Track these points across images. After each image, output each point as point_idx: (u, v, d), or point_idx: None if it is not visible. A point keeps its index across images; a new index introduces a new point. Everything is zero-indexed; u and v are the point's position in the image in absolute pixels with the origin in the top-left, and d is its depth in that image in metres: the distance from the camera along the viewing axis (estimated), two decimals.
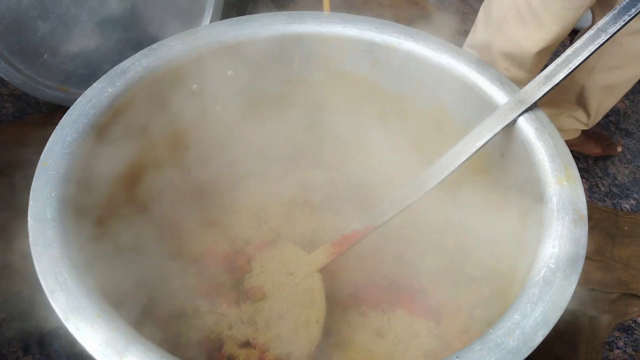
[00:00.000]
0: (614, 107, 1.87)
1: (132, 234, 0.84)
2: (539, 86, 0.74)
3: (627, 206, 1.52)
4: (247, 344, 0.71)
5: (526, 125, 0.73)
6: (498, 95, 0.77)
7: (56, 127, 0.68)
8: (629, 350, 1.24)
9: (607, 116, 1.80)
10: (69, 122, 0.68)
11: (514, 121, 0.74)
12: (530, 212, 0.70)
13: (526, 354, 0.51)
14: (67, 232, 0.58)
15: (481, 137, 0.74)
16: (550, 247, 0.59)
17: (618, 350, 1.24)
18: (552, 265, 0.57)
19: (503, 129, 0.74)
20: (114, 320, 0.52)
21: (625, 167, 1.64)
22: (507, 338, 0.52)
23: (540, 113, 0.73)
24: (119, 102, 0.73)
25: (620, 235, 1.42)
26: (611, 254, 1.37)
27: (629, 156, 1.68)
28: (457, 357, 0.51)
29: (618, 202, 1.53)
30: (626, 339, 1.26)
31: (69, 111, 0.70)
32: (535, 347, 0.51)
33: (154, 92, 0.79)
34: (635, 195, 1.56)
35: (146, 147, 0.83)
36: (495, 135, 0.73)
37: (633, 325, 1.28)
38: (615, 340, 1.25)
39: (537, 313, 0.54)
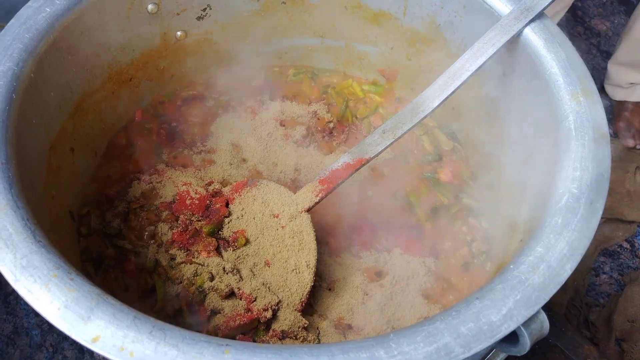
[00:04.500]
0: (595, 29, 1.81)
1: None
2: None
3: (610, 132, 1.49)
4: (231, 295, 0.64)
5: (534, 37, 0.64)
6: (500, 3, 0.68)
7: None
8: (615, 274, 1.23)
9: (587, 38, 1.74)
10: (0, 49, 0.57)
11: (520, 33, 0.66)
12: (539, 133, 0.63)
13: (553, 291, 0.45)
14: (10, 179, 0.49)
15: (482, 53, 0.66)
16: (570, 171, 0.52)
17: (604, 275, 1.23)
18: (575, 191, 0.51)
19: (507, 42, 0.65)
20: (75, 278, 0.43)
21: (606, 97, 1.59)
22: (531, 274, 0.46)
23: (548, 22, 0.65)
24: (60, 24, 0.61)
25: None
26: None
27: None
28: (477, 298, 0.44)
29: None
30: (612, 264, 1.25)
31: None
32: (563, 282, 0.46)
33: (102, 13, 0.67)
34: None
35: (96, 78, 0.72)
36: (498, 50, 0.65)
37: (619, 249, 1.27)
38: (601, 266, 1.24)
39: (563, 244, 0.48)
